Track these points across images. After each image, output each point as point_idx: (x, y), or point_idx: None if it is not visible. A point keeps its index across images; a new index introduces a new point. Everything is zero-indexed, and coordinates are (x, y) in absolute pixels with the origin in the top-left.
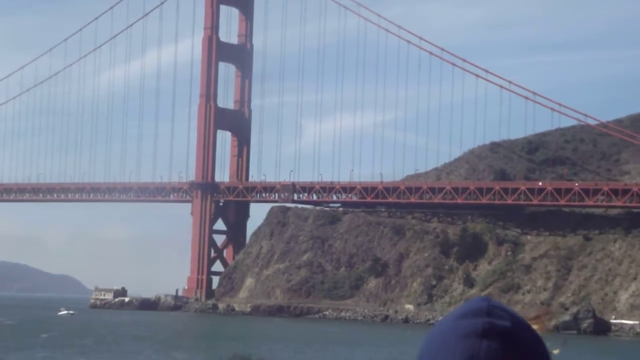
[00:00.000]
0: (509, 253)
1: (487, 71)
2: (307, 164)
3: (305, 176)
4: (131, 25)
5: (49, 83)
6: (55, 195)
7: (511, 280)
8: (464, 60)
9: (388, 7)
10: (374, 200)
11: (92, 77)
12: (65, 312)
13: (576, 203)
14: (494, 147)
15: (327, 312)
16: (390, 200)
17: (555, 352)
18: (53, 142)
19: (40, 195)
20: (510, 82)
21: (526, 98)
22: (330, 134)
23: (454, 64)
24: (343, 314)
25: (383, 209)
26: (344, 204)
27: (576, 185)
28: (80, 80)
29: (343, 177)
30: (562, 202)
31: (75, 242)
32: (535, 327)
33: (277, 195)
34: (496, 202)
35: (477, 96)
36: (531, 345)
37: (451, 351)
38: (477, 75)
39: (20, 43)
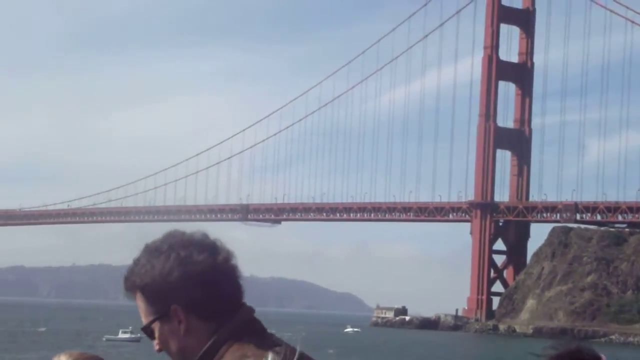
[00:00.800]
0: None
1: None
2: (590, 184)
3: (589, 196)
4: (412, 46)
5: (332, 105)
6: (338, 214)
7: None
8: None
9: None
10: None
11: (373, 98)
12: (350, 329)
13: None
14: None
15: (613, 337)
16: None
17: None
18: (336, 162)
19: (324, 214)
20: None
21: None
22: (615, 153)
23: None
24: (631, 338)
25: None
26: (631, 224)
27: None
28: (362, 101)
29: (629, 196)
30: None
31: (357, 260)
32: None
33: (558, 215)
34: None
35: None
36: None
37: None
38: None
39: (307, 69)
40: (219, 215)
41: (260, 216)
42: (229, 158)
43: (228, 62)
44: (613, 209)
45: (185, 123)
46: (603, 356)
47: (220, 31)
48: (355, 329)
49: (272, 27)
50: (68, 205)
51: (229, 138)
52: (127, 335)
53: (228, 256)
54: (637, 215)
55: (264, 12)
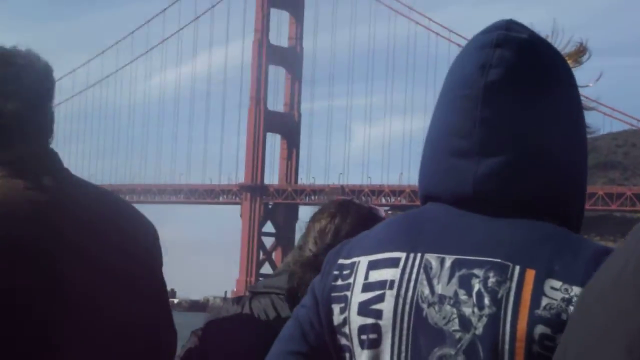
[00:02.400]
0: None
1: None
2: (356, 167)
3: (354, 179)
4: (182, 28)
5: (100, 85)
6: None
7: None
8: None
9: (439, 11)
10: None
11: (143, 80)
12: None
13: (628, 208)
14: None
15: None
16: None
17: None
18: (105, 144)
19: None
20: None
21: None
22: (380, 138)
23: None
24: None
25: None
26: (393, 207)
27: (628, 190)
28: (132, 83)
29: (392, 180)
30: (614, 207)
31: None
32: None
33: (325, 197)
34: None
35: None
36: (549, 57)
37: (467, 61)
38: None
39: (76, 45)
40: None
41: None
42: None
43: None
44: (377, 192)
45: None
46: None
47: None
48: None
49: (37, 4)
50: None
51: None
52: None
53: None
54: (399, 198)
55: None
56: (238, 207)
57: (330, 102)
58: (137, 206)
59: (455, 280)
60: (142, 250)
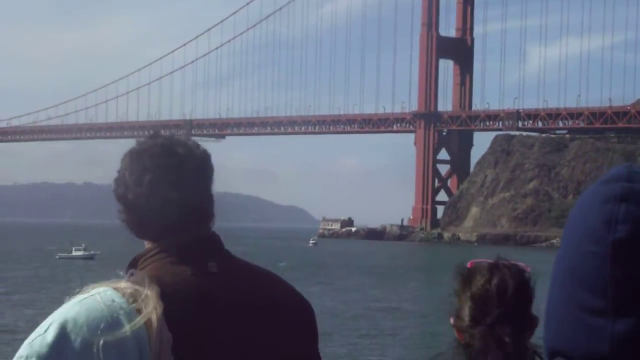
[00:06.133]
0: None
1: None
2: (532, 91)
3: (530, 103)
4: None
5: (274, 17)
6: (282, 128)
7: None
8: None
9: None
10: (602, 125)
11: (315, 9)
12: (312, 242)
13: None
14: None
15: (554, 241)
16: (620, 125)
17: None
18: (279, 75)
19: (268, 128)
20: None
21: None
22: (556, 59)
23: None
24: None
25: (612, 135)
26: (571, 130)
27: None
28: (304, 13)
29: (569, 102)
30: None
31: (303, 174)
32: None
33: (501, 123)
34: None
35: None
36: None
37: (591, 215)
38: None
39: None
40: (162, 132)
41: (204, 131)
42: (170, 73)
43: None
44: (554, 115)
45: (126, 38)
46: (522, 264)
47: None
48: (313, 241)
49: None
50: (7, 124)
51: (170, 53)
52: (80, 253)
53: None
54: (577, 121)
55: None
56: (412, 135)
57: (504, 25)
58: (312, 137)
59: None
60: (299, 329)
